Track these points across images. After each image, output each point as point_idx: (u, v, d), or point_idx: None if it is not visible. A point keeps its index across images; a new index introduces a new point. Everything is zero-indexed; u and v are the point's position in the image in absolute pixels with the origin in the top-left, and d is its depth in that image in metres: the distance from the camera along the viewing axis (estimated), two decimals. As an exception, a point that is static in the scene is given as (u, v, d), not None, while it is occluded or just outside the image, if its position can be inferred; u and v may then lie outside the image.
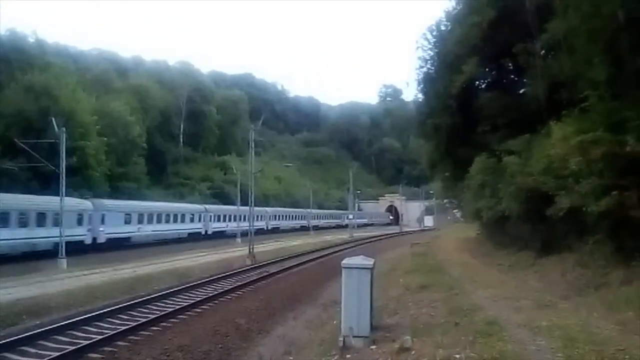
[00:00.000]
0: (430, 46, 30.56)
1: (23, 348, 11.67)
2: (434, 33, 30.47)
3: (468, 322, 10.11)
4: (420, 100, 33.78)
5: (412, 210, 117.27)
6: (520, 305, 11.62)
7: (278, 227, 76.44)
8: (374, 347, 9.20)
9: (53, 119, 32.60)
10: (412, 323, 10.69)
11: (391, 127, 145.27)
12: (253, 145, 38.09)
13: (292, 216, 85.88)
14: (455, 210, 65.85)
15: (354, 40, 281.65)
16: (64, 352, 11.26)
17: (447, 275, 18.73)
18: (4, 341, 11.85)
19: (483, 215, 24.75)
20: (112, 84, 76.46)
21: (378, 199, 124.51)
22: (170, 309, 16.06)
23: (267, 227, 71.09)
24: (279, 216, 79.51)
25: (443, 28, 30.14)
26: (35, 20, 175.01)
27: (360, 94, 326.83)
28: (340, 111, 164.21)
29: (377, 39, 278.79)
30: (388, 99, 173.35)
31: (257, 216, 73.93)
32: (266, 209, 74.03)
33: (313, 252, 39.22)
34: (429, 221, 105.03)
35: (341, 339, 9.72)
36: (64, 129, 32.10)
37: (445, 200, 66.47)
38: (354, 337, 9.61)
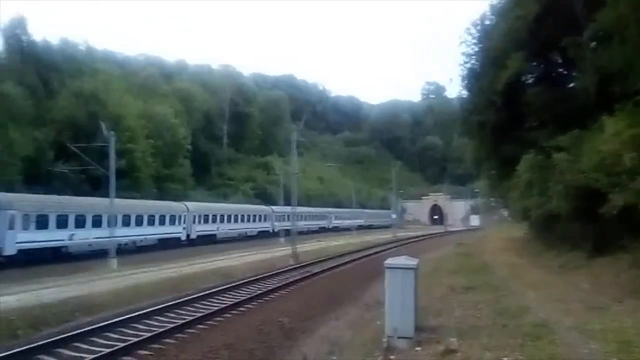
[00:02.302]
0: (474, 41, 29.87)
1: (76, 344, 12.00)
2: (478, 28, 29.78)
3: (516, 324, 9.84)
4: (464, 96, 33.04)
5: (457, 210, 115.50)
6: (570, 308, 11.23)
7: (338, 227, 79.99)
8: (418, 348, 9.03)
9: (102, 123, 33.42)
10: (458, 324, 10.43)
11: (434, 124, 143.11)
12: (295, 146, 38.21)
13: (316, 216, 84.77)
14: (502, 209, 64.51)
15: (395, 37, 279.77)
16: (114, 348, 11.53)
17: (493, 276, 18.33)
18: (58, 337, 12.20)
19: (531, 214, 24.08)
20: (157, 89, 78.13)
21: (421, 198, 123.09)
22: (215, 308, 16.24)
23: (328, 226, 77.73)
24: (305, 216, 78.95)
25: (487, 22, 29.41)
26: (86, 28, 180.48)
27: (402, 92, 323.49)
28: (382, 110, 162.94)
29: (419, 36, 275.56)
30: (431, 96, 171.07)
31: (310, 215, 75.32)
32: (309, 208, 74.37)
33: (355, 252, 39.03)
34: (474, 220, 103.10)
35: (385, 339, 9.59)
36: (112, 132, 32.81)
37: (491, 199, 65.18)
38: (398, 338, 9.46)
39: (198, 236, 50.20)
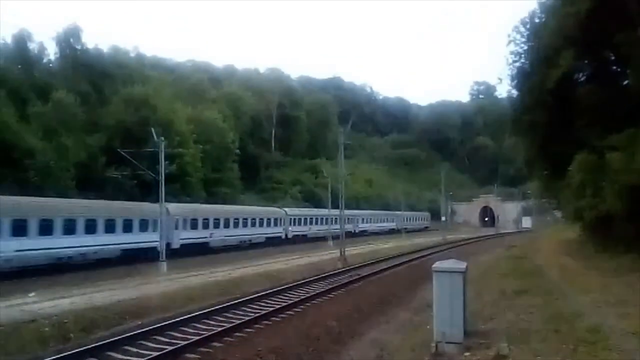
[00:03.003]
0: (524, 39, 29.26)
1: (126, 347, 12.27)
2: (527, 26, 29.16)
3: (569, 329, 9.59)
4: (514, 96, 32.40)
5: (509, 211, 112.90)
6: (626, 312, 10.83)
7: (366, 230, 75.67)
8: (467, 354, 8.92)
9: (152, 128, 34.17)
10: (508, 329, 10.25)
11: (484, 125, 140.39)
12: (342, 148, 38.22)
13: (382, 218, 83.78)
14: (554, 211, 62.74)
15: (443, 38, 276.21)
16: (163, 351, 11.76)
17: (545, 279, 17.89)
18: (109, 340, 12.51)
19: (584, 215, 23.39)
20: (206, 94, 79.56)
21: (471, 200, 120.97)
22: (263, 311, 16.32)
23: (354, 230, 70.22)
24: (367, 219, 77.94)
25: (537, 20, 28.79)
26: (136, 35, 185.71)
27: (451, 93, 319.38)
28: (430, 111, 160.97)
29: (467, 35, 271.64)
30: (480, 96, 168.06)
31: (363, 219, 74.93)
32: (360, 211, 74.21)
33: (404, 255, 38.76)
34: (526, 222, 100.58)
35: (433, 344, 9.51)
36: (162, 137, 33.47)
37: (543, 200, 63.47)
38: (447, 343, 9.38)
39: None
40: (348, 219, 62.46)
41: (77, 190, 41.82)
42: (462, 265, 10.11)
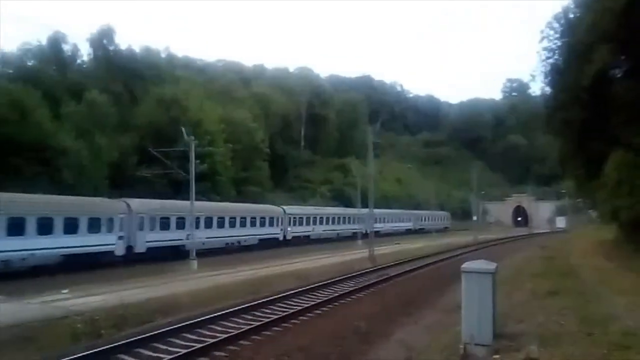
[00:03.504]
0: (557, 36, 28.63)
1: (155, 344, 12.33)
2: (561, 22, 28.52)
3: (602, 333, 9.28)
4: (547, 93, 31.75)
5: (542, 211, 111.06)
6: (664, 315, 10.46)
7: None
8: (496, 356, 8.70)
9: (183, 128, 34.51)
10: (539, 332, 9.96)
11: (517, 123, 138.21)
12: (372, 147, 37.99)
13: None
14: (589, 211, 61.41)
15: (474, 35, 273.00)
16: (191, 349, 11.77)
17: (579, 281, 17.42)
18: (138, 337, 12.58)
19: (621, 215, 22.80)
20: (236, 93, 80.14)
21: (504, 200, 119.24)
22: (291, 310, 16.29)
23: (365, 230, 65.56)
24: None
25: (571, 16, 28.15)
26: (167, 36, 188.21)
27: (483, 91, 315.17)
28: (461, 109, 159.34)
29: (499, 31, 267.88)
30: (513, 93, 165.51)
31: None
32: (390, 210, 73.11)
33: (434, 254, 38.31)
34: (560, 222, 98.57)
35: (462, 346, 9.32)
36: (193, 137, 33.78)
37: (578, 200, 62.17)
38: (476, 344, 9.17)
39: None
40: (358, 218, 59.03)
41: (109, 190, 42.56)
42: (492, 265, 9.89)
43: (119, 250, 33.17)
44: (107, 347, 11.67)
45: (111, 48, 60.40)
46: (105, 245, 31.86)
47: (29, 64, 55.29)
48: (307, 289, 20.57)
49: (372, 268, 28.91)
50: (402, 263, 31.96)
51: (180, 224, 37.35)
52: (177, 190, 41.80)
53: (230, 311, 15.84)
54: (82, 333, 13.22)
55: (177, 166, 35.99)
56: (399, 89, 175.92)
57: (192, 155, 32.70)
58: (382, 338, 13.08)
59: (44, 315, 14.45)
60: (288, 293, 19.28)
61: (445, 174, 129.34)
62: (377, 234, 60.52)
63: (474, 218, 72.72)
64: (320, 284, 22.04)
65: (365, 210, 65.37)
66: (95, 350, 11.40)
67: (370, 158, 38.53)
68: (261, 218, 47.61)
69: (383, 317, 15.63)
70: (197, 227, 35.91)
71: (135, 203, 35.42)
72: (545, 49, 28.99)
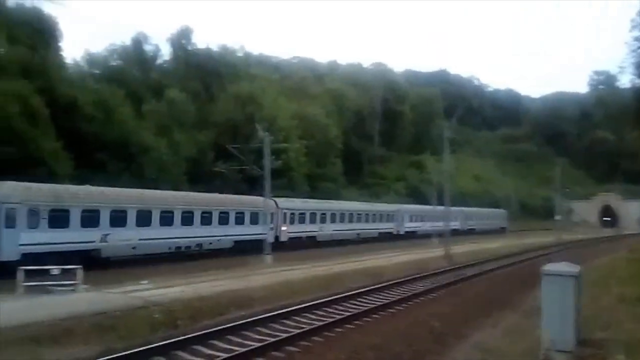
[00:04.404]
0: (648, 24, 26.71)
1: (229, 337, 12.37)
2: (655, 9, 26.57)
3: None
4: (638, 85, 29.74)
5: (633, 211, 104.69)
6: None
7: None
8: (579, 364, 8.01)
9: (258, 124, 34.80)
10: (627, 339, 9.17)
11: (605, 117, 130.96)
12: (448, 143, 36.99)
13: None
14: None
15: (557, 25, 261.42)
16: (264, 342, 11.76)
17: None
18: (213, 329, 12.64)
19: None
20: (310, 89, 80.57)
21: (589, 198, 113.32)
22: (364, 308, 16.06)
23: (397, 231, 58.12)
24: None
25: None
26: (243, 34, 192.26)
27: (567, 84, 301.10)
28: (543, 103, 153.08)
29: (584, 21, 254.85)
30: (600, 86, 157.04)
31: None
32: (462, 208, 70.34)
33: (513, 255, 36.86)
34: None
35: (542, 352, 8.78)
36: (267, 133, 34.05)
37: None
38: (556, 351, 8.63)
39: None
40: (387, 215, 54.78)
41: (188, 184, 43.75)
42: (575, 268, 9.22)
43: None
44: (183, 337, 11.80)
45: (189, 48, 62.39)
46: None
47: (114, 64, 57.82)
48: (380, 287, 20.16)
49: (449, 267, 28.10)
50: (481, 263, 30.94)
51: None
52: (252, 186, 42.31)
53: (304, 307, 15.75)
54: (159, 323, 13.46)
55: (253, 162, 36.36)
56: (476, 83, 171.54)
57: (267, 150, 32.92)
58: (458, 339, 12.56)
59: (124, 304, 14.85)
60: (360, 290, 18.97)
61: (526, 171, 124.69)
62: (413, 235, 57.73)
63: (557, 217, 68.90)
64: (394, 282, 21.55)
65: (405, 207, 60.79)
66: (172, 340, 11.54)
67: (447, 154, 37.51)
68: (237, 213, 36.74)
69: (459, 317, 15.06)
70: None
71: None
72: (635, 38, 27.15)
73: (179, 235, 31.62)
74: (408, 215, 59.84)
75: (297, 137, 57.20)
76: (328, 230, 46.25)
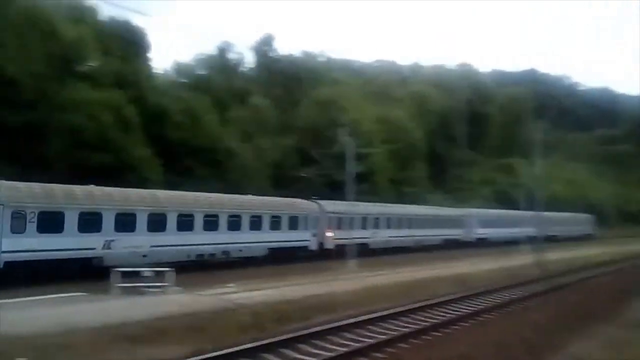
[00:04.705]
0: None
1: (314, 341, 12.37)
2: None
3: None
4: None
5: None
6: None
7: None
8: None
9: (340, 129, 34.67)
10: None
11: None
12: (539, 146, 35.32)
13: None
14: None
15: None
16: (350, 348, 11.81)
17: None
18: (298, 334, 12.67)
19: None
20: (392, 93, 79.79)
21: None
22: (451, 316, 15.80)
23: (467, 238, 53.35)
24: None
25: None
26: (325, 40, 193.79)
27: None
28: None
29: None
30: None
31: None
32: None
33: (606, 264, 34.72)
34: None
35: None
36: (351, 138, 33.73)
37: None
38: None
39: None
40: (454, 220, 50.41)
41: (272, 189, 44.32)
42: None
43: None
44: (270, 341, 11.91)
45: (272, 55, 63.61)
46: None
47: (201, 72, 59.74)
48: (467, 295, 19.59)
49: (542, 276, 26.71)
50: (575, 272, 29.30)
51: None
52: (335, 190, 42.19)
53: (388, 313, 15.58)
54: (248, 326, 13.69)
55: (335, 166, 36.22)
56: (568, 81, 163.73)
57: (351, 155, 32.71)
58: (553, 351, 11.99)
59: (214, 306, 15.44)
60: (447, 298, 18.57)
61: (623, 174, 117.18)
62: (484, 242, 52.52)
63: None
64: (482, 290, 20.86)
65: (475, 211, 54.78)
66: (260, 343, 11.65)
67: (538, 157, 35.78)
68: (274, 217, 33.35)
69: (554, 328, 14.46)
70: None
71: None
72: None
73: (200, 241, 28.72)
74: (479, 220, 54.60)
75: (381, 141, 56.70)
76: (382, 236, 41.32)
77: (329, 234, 36.35)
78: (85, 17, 43.24)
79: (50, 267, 22.19)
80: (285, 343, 11.94)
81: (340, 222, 37.93)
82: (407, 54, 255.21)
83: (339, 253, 33.65)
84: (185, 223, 27.94)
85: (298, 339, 12.30)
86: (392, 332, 13.43)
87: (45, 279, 20.40)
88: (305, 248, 34.89)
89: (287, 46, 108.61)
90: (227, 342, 11.74)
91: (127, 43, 46.27)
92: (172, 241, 27.21)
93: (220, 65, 60.51)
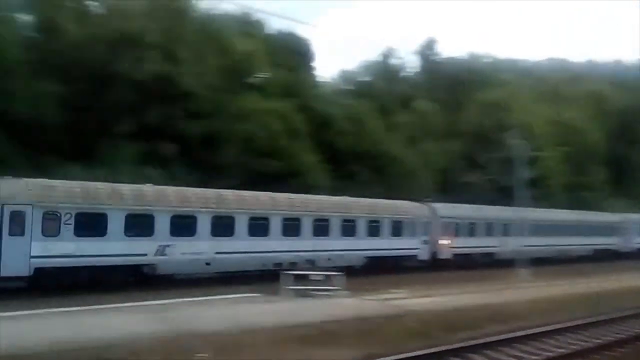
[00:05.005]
0: None
1: (486, 351, 12.07)
2: None
3: None
4: None
5: None
6: None
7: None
8: None
9: (507, 132, 33.36)
10: None
11: None
12: None
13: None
14: None
15: None
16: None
17: None
18: (469, 343, 12.41)
19: None
20: (565, 92, 74.75)
21: None
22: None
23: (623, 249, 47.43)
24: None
25: None
26: (491, 40, 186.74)
27: None
28: None
29: None
30: None
31: None
32: None
33: None
34: None
35: None
36: (521, 141, 32.36)
37: None
38: None
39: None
40: (606, 227, 43.73)
41: (439, 195, 43.65)
42: None
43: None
44: (439, 349, 11.74)
45: (435, 58, 62.97)
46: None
47: (365, 79, 60.85)
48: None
49: None
50: None
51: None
52: (504, 197, 40.45)
53: (563, 326, 14.77)
54: (415, 332, 13.64)
55: (503, 171, 34.82)
56: None
57: (520, 159, 31.32)
58: None
59: (382, 311, 15.71)
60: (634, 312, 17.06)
61: None
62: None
63: None
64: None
65: (618, 217, 47.95)
66: (429, 351, 11.54)
67: None
68: (372, 222, 30.41)
69: None
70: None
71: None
72: None
73: (277, 248, 25.95)
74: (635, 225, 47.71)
75: (554, 144, 53.40)
76: (514, 245, 33.50)
77: (443, 241, 33.13)
78: (254, 31, 45.63)
79: (90, 274, 20.70)
80: (454, 352, 11.73)
81: (458, 229, 34.83)
82: (580, 50, 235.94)
83: (457, 264, 31.58)
84: (258, 227, 25.65)
85: (467, 349, 12.01)
86: (570, 347, 12.72)
87: (85, 287, 19.46)
88: (413, 257, 32.07)
89: (451, 49, 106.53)
90: (395, 347, 11.79)
91: (293, 54, 48.25)
92: (241, 247, 24.80)
93: (384, 70, 61.14)
